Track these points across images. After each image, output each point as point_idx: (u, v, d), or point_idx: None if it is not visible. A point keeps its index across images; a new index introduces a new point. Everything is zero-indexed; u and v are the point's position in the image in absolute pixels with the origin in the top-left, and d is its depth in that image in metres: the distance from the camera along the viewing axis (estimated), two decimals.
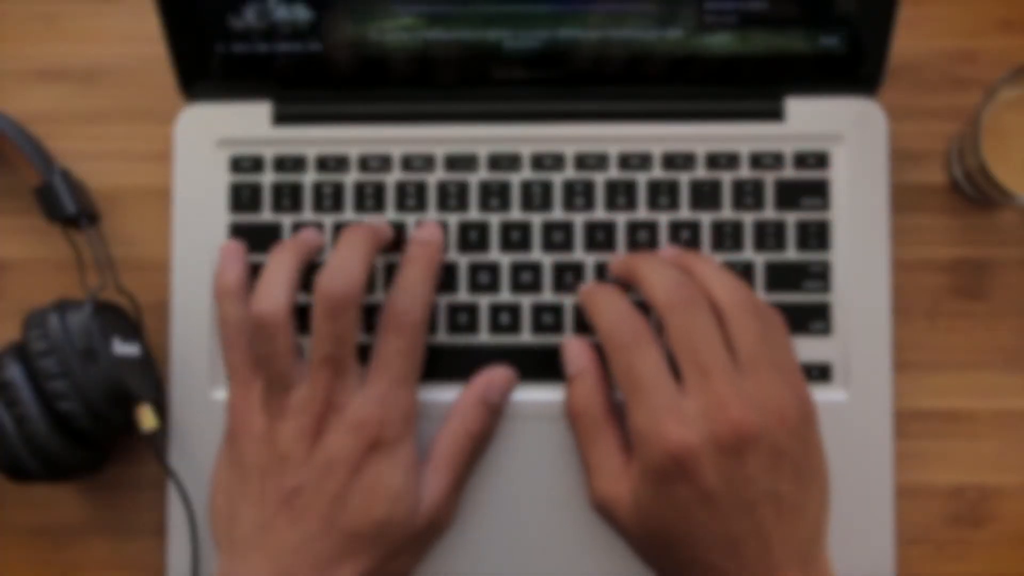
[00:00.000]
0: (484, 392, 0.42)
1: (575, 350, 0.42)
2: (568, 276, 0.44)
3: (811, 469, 0.37)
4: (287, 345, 0.39)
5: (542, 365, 0.44)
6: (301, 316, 0.43)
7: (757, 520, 0.35)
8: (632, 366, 0.38)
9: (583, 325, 0.44)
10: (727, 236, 0.44)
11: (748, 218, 0.44)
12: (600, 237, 0.44)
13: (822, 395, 0.43)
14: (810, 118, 0.44)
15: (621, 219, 0.44)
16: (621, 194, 0.44)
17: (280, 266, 0.40)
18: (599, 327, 0.40)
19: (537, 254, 0.44)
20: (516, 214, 0.45)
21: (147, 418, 0.42)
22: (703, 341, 0.37)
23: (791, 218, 0.44)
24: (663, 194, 0.44)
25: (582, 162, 0.45)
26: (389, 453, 0.38)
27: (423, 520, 0.40)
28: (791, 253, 0.44)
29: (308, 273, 0.43)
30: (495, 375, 0.43)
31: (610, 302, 0.40)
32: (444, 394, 0.43)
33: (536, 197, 0.45)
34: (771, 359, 0.37)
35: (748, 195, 0.44)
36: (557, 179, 0.45)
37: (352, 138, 0.45)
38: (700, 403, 0.36)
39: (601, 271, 0.44)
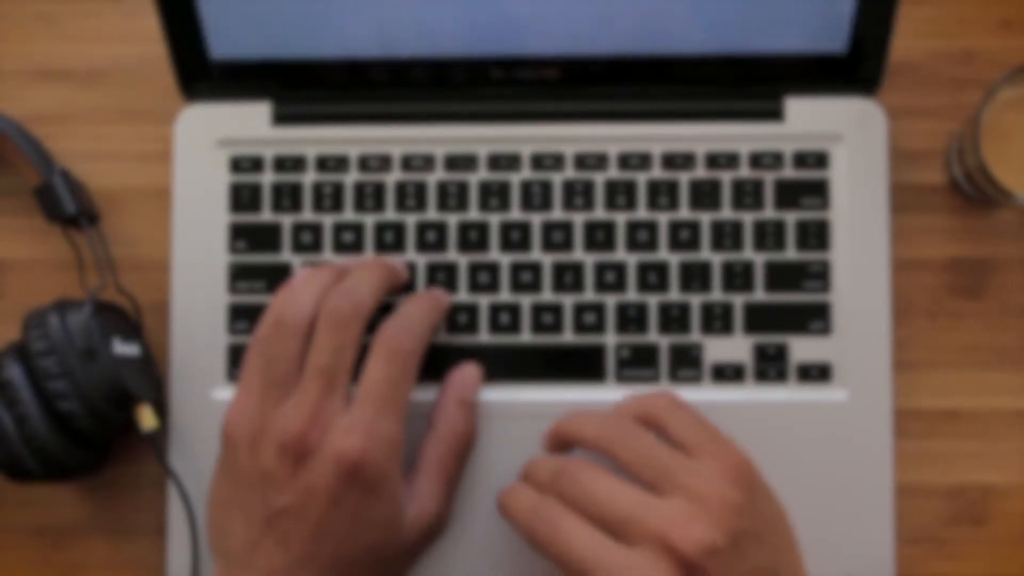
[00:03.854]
0: (461, 392, 0.42)
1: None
2: (568, 276, 0.44)
3: (769, 522, 0.37)
4: (296, 351, 0.39)
5: (542, 365, 0.44)
6: None
7: None
8: (568, 553, 0.35)
9: (583, 326, 0.44)
10: (727, 236, 0.44)
11: (748, 218, 0.44)
12: (600, 237, 0.44)
13: (822, 395, 0.43)
14: (810, 118, 0.44)
15: (621, 219, 0.44)
16: (621, 194, 0.44)
17: (317, 278, 0.40)
18: (518, 531, 0.38)
19: (537, 254, 0.44)
20: (516, 214, 0.45)
21: (147, 418, 0.42)
22: (648, 454, 0.37)
23: (791, 218, 0.44)
24: (663, 194, 0.44)
25: (582, 162, 0.45)
26: (371, 483, 0.38)
27: (416, 532, 0.40)
28: (791, 253, 0.44)
29: None
30: (468, 373, 0.43)
31: (517, 500, 0.39)
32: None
33: (536, 197, 0.45)
34: (698, 441, 0.37)
35: (748, 195, 0.44)
36: (557, 179, 0.45)
37: (352, 138, 0.45)
38: (646, 545, 0.34)
39: (601, 271, 0.44)
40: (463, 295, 0.44)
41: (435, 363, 0.43)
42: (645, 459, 0.37)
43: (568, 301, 0.44)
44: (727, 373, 0.44)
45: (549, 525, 0.36)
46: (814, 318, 0.44)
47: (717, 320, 0.44)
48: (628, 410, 0.40)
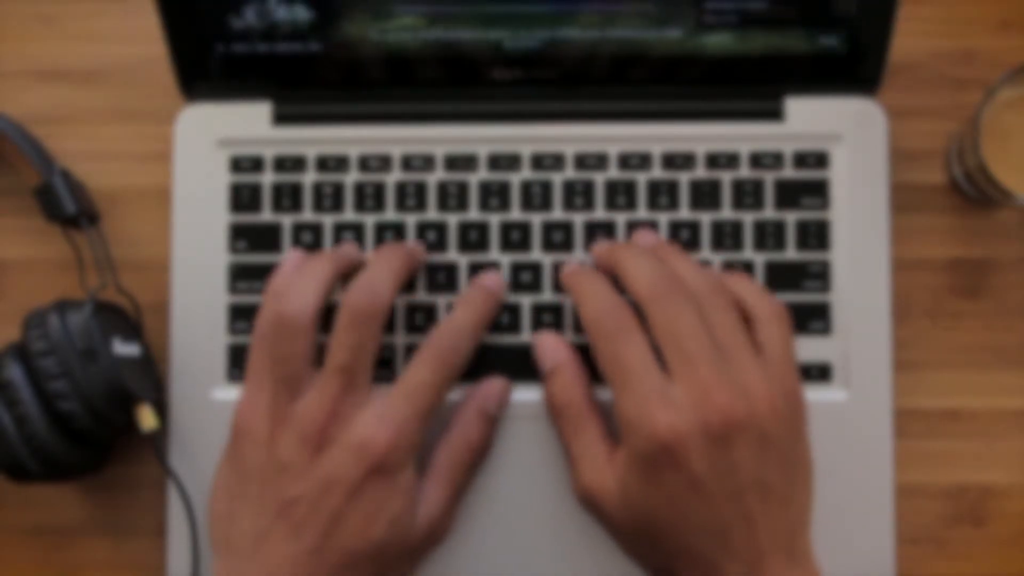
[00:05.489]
0: (483, 403, 0.42)
1: (549, 345, 0.42)
2: None
3: (798, 459, 0.38)
4: (305, 350, 0.39)
5: None
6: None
7: (744, 507, 0.36)
8: (618, 354, 0.38)
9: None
10: (727, 236, 0.44)
11: (748, 218, 0.44)
12: (600, 237, 0.44)
13: (822, 395, 0.43)
14: (810, 118, 0.44)
15: (621, 219, 0.44)
16: (621, 194, 0.44)
17: (315, 271, 0.40)
18: (583, 314, 0.40)
19: (537, 254, 0.44)
20: (516, 214, 0.45)
21: (147, 418, 0.42)
22: (687, 330, 0.37)
23: (791, 218, 0.44)
24: (663, 194, 0.44)
25: (582, 162, 0.45)
26: (390, 478, 0.38)
27: (421, 534, 0.40)
28: (791, 253, 0.44)
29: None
30: (493, 386, 0.43)
31: (594, 289, 0.40)
32: None
33: (536, 197, 0.45)
34: (747, 346, 0.38)
35: (748, 195, 0.44)
36: (557, 179, 0.45)
37: (352, 138, 0.45)
38: (687, 390, 0.36)
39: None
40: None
41: None
42: (674, 337, 0.37)
43: (568, 301, 0.44)
44: None
45: (613, 323, 0.38)
46: (814, 318, 0.44)
47: None
48: (686, 273, 0.40)
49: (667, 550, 0.37)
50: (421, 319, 0.44)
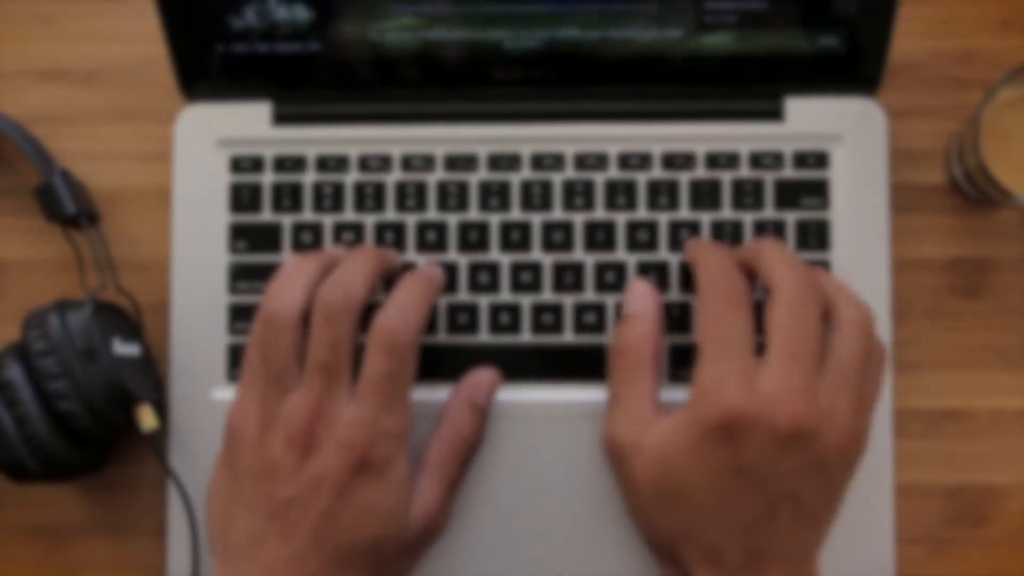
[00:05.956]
0: (471, 395, 0.42)
1: (641, 291, 0.42)
2: (568, 276, 0.44)
3: (839, 491, 0.38)
4: (290, 347, 0.39)
5: (542, 365, 0.44)
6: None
7: (772, 513, 0.36)
8: (722, 319, 0.38)
9: (584, 326, 0.44)
10: (727, 236, 0.44)
11: (748, 218, 0.44)
12: (600, 237, 0.44)
13: None
14: (810, 118, 0.44)
15: (621, 219, 0.44)
16: (621, 194, 0.44)
17: (301, 270, 0.40)
18: (702, 277, 0.40)
19: (537, 254, 0.44)
20: (516, 214, 0.45)
21: (147, 418, 0.42)
22: (804, 332, 0.37)
23: (791, 218, 0.44)
24: (663, 194, 0.44)
25: (582, 162, 0.45)
26: (379, 473, 0.38)
27: (416, 529, 0.40)
28: None
29: None
30: (481, 377, 0.43)
31: (719, 258, 0.40)
32: (444, 394, 0.43)
33: (536, 197, 0.45)
34: (857, 383, 0.37)
35: (748, 195, 0.44)
36: (557, 179, 0.45)
37: (352, 138, 0.45)
38: (775, 384, 0.36)
39: (601, 271, 0.44)
40: (463, 295, 0.44)
41: (436, 363, 0.43)
42: (787, 332, 0.37)
43: (568, 301, 0.44)
44: None
45: (728, 293, 0.38)
46: None
47: None
48: (826, 289, 0.39)
49: (678, 526, 0.37)
50: None
